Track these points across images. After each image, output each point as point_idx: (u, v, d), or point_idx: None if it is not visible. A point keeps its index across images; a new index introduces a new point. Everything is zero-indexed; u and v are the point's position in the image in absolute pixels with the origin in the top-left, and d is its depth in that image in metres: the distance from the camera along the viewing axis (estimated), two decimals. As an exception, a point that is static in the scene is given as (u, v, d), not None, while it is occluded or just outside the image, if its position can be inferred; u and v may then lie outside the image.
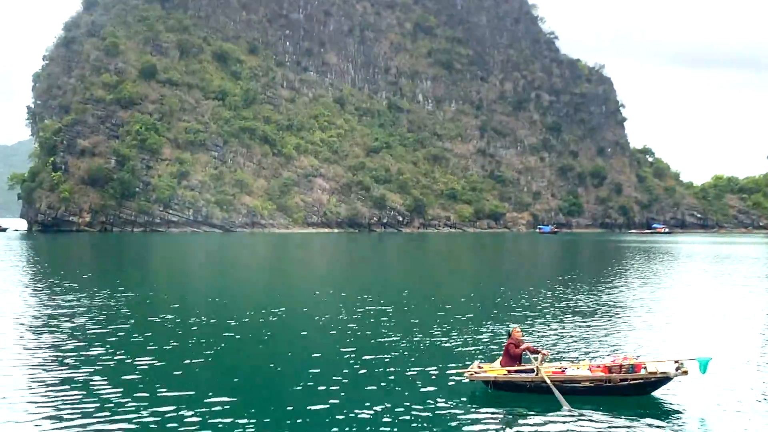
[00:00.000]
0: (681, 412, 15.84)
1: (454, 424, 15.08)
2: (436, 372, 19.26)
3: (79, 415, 15.10)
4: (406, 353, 21.63)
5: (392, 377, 18.66)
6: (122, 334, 23.77)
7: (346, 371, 19.26)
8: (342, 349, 22.07)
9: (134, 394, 16.46)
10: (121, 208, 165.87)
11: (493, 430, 14.67)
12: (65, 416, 15.04)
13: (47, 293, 34.59)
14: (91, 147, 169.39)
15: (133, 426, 14.52)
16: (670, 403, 16.53)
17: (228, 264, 64.82)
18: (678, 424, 14.95)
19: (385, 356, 21.09)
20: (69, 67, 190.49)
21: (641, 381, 16.64)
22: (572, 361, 19.80)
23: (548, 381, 16.70)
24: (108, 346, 21.67)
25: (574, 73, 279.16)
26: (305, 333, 24.90)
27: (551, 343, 23.09)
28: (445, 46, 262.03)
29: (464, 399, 16.97)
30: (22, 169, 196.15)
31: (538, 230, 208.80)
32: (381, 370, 19.44)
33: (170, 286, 42.99)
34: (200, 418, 14.93)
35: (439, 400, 16.71)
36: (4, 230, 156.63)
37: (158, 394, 16.57)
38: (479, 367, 17.94)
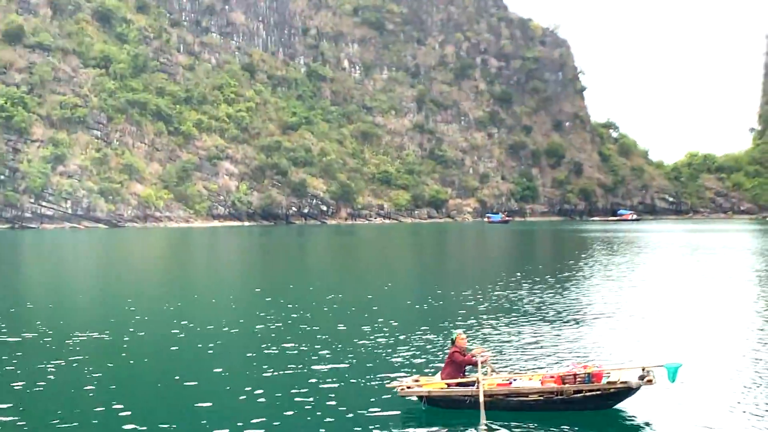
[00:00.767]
0: (644, 427, 15.87)
1: None
2: (364, 387, 19.23)
3: None
4: (328, 367, 21.45)
5: (311, 395, 18.49)
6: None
7: (257, 390, 18.98)
8: (252, 365, 21.78)
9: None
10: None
11: None
12: None
13: None
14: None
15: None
16: (634, 417, 16.60)
17: (112, 268, 63.53)
18: None
19: (304, 371, 20.86)
20: None
21: (599, 393, 16.63)
22: (525, 371, 19.77)
23: (481, 394, 16.64)
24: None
25: (526, 34, 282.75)
26: (210, 347, 24.38)
27: (504, 351, 23.06)
28: (375, 2, 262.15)
29: (393, 419, 16.85)
30: None
31: (486, 219, 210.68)
32: (299, 387, 19.19)
33: (39, 296, 41.81)
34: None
35: (364, 419, 16.65)
36: None
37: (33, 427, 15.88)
38: (415, 381, 17.91)
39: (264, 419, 16.91)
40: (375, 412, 17.27)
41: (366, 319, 30.35)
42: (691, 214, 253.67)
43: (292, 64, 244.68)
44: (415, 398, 17.69)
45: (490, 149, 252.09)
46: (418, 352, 23.48)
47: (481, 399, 16.61)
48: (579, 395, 16.64)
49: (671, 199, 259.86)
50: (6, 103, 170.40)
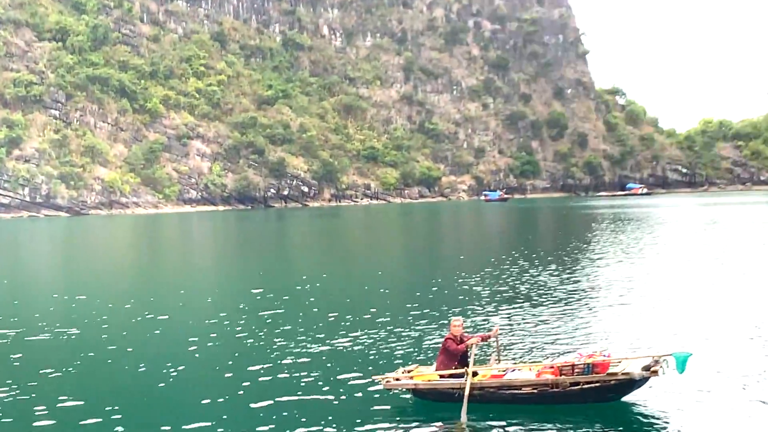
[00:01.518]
0: (649, 423, 15.82)
1: None
2: (352, 381, 19.38)
3: None
4: (314, 359, 21.64)
5: (295, 389, 18.72)
6: None
7: (239, 383, 19.22)
8: (233, 358, 22.02)
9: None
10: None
11: None
12: None
13: None
14: None
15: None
16: (638, 411, 16.53)
17: (75, 259, 63.40)
18: None
19: (288, 364, 21.05)
20: None
21: (598, 385, 16.54)
22: (528, 361, 19.83)
23: (467, 388, 16.71)
24: None
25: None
26: (187, 342, 24.44)
27: (506, 340, 23.15)
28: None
29: (379, 413, 17.04)
30: None
31: (483, 197, 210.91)
32: (283, 381, 19.45)
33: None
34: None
35: (349, 413, 16.85)
36: None
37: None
38: (407, 372, 18.07)
39: (248, 413, 17.07)
40: (362, 405, 17.44)
41: (356, 309, 30.36)
42: (707, 186, 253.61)
43: (267, 32, 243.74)
44: (399, 391, 17.98)
45: (486, 121, 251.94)
46: (412, 342, 23.55)
47: (466, 392, 16.67)
48: (576, 388, 16.56)
49: (684, 171, 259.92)
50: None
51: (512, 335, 23.94)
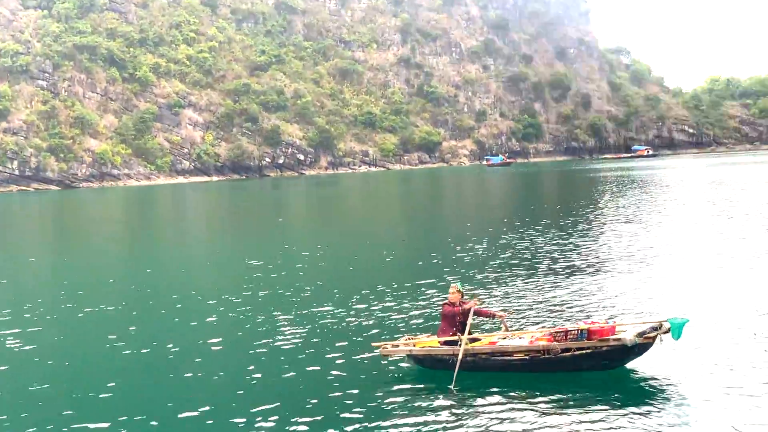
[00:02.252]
0: (644, 391, 15.80)
1: (353, 406, 15.60)
2: (349, 350, 19.74)
3: None
4: (312, 330, 21.92)
5: (295, 360, 19.07)
6: None
7: (238, 357, 19.51)
8: (232, 331, 22.30)
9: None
10: None
11: (389, 418, 14.97)
12: None
13: None
14: None
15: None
16: (634, 379, 16.47)
17: (67, 233, 63.50)
18: (632, 409, 14.70)
19: (286, 336, 21.35)
20: None
21: (589, 351, 16.58)
22: (522, 328, 20.01)
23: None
24: None
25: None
26: (184, 316, 24.67)
27: (511, 308, 23.31)
28: None
29: (375, 380, 17.40)
30: None
31: (485, 162, 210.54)
32: (282, 352, 19.78)
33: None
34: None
35: (347, 381, 17.22)
36: None
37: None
38: (409, 339, 18.39)
39: (246, 383, 17.35)
40: (360, 373, 17.77)
41: (357, 278, 30.63)
42: (714, 146, 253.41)
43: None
44: (401, 359, 18.36)
45: (486, 83, 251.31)
46: (415, 311, 23.76)
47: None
48: (567, 354, 16.64)
49: (691, 131, 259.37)
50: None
51: (516, 304, 24.07)
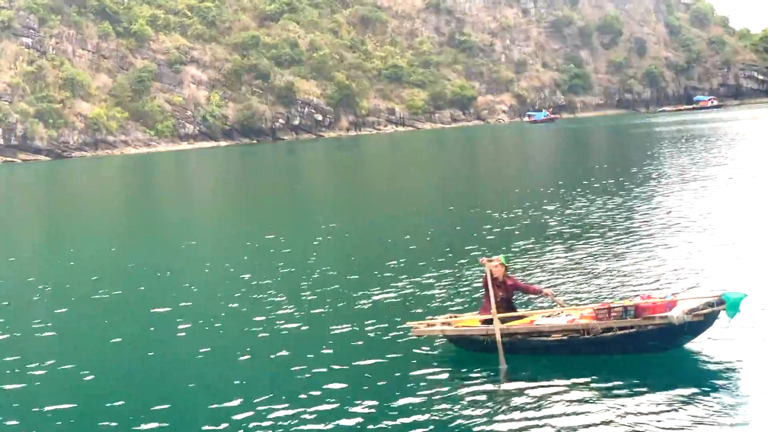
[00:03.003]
0: (699, 378, 15.50)
1: (386, 386, 15.88)
2: (382, 330, 20.05)
3: None
4: (340, 309, 22.24)
5: (322, 339, 19.43)
6: None
7: (258, 338, 19.86)
8: (249, 309, 22.73)
9: None
10: None
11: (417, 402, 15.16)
12: None
13: None
14: None
15: None
16: (688, 363, 16.30)
17: (59, 208, 63.92)
18: (681, 399, 14.36)
19: (310, 314, 21.75)
20: None
21: (633, 331, 16.29)
22: (576, 304, 19.90)
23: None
24: None
25: None
26: (197, 295, 24.87)
27: (559, 282, 23.36)
28: None
29: (410, 363, 17.58)
30: None
31: (527, 119, 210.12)
32: (307, 332, 20.18)
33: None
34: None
35: (377, 364, 17.51)
36: None
37: None
38: (450, 317, 18.57)
39: (268, 363, 17.80)
40: (393, 356, 17.95)
41: (386, 252, 30.69)
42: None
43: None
44: (441, 340, 18.57)
45: (526, 29, 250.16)
46: (453, 288, 23.87)
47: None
48: (608, 334, 16.39)
49: (761, 78, 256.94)
50: None
51: (565, 279, 24.05)
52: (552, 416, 13.98)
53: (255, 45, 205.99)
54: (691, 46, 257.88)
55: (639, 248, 27.87)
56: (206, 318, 22.27)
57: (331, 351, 18.60)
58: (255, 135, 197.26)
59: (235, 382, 16.89)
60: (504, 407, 14.63)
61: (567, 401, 14.58)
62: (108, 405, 15.91)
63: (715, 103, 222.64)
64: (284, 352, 18.67)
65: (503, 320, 17.45)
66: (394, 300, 23.04)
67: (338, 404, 15.20)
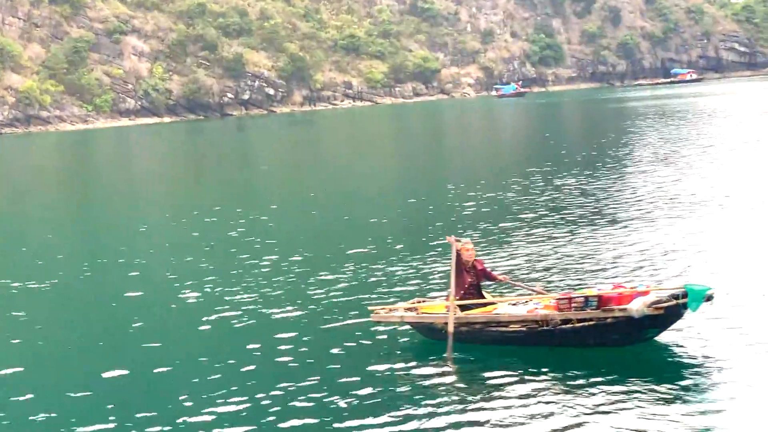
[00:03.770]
0: (660, 372, 15.60)
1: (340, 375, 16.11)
2: (345, 316, 20.27)
3: None
4: (297, 296, 22.34)
5: (276, 327, 19.64)
6: None
7: (214, 330, 19.99)
8: (204, 298, 22.84)
9: None
10: None
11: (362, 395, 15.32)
12: None
13: None
14: None
15: None
16: (652, 358, 16.43)
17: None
18: (641, 397, 14.37)
19: (267, 300, 21.87)
20: None
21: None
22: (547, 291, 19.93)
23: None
24: None
25: None
26: (151, 283, 24.93)
27: (524, 269, 23.52)
28: None
29: (366, 351, 17.87)
30: None
31: (495, 93, 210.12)
32: (263, 321, 20.24)
33: None
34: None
35: (334, 353, 17.79)
36: None
37: None
38: (417, 302, 18.74)
39: (222, 359, 17.71)
40: (351, 344, 18.19)
41: (346, 235, 30.88)
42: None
43: None
44: (404, 328, 18.76)
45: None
46: (418, 273, 24.14)
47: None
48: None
49: (742, 50, 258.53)
50: None
51: (534, 265, 24.28)
52: (488, 409, 14.21)
53: (201, 13, 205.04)
54: (669, 15, 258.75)
55: (614, 233, 28.06)
56: (152, 307, 22.37)
57: (285, 336, 18.76)
58: (201, 110, 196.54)
59: (180, 373, 17.04)
60: (444, 399, 14.82)
61: (509, 395, 14.76)
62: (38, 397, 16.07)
63: (694, 76, 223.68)
64: (235, 340, 18.85)
65: (465, 308, 17.63)
66: (356, 284, 23.20)
67: (284, 393, 15.41)
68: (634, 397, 14.15)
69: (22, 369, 18.05)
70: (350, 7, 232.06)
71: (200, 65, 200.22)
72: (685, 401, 13.95)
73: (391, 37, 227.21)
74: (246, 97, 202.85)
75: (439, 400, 14.77)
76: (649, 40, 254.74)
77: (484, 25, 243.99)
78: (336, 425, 14.00)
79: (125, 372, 17.39)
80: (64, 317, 22.55)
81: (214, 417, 14.59)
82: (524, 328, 16.89)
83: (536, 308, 17.24)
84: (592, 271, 23.10)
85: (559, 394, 14.62)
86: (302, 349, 17.81)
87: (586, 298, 16.41)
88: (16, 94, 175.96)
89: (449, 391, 15.29)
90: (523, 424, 13.49)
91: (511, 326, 17.01)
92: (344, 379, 15.95)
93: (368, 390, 15.38)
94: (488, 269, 19.02)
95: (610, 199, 34.96)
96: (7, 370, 17.88)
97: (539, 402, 14.27)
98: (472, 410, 14.20)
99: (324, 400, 14.95)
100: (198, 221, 37.83)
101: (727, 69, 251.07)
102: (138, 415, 14.89)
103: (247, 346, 18.45)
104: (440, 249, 26.64)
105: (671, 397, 14.17)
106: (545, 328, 16.64)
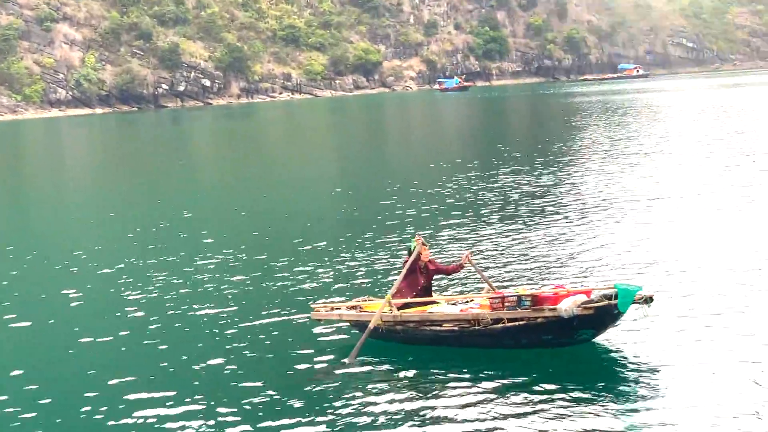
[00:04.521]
0: (593, 374, 15.75)
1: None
2: (285, 315, 20.29)
3: None
4: (235, 297, 22.28)
5: (213, 329, 19.55)
6: None
7: (152, 333, 19.69)
8: (140, 298, 22.53)
9: None
10: None
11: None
12: None
13: None
14: None
15: None
16: (585, 360, 16.48)
17: None
18: (571, 399, 14.42)
19: (205, 302, 21.72)
20: None
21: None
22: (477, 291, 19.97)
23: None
24: None
25: None
26: (86, 288, 24.71)
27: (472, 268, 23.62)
28: None
29: (310, 346, 18.01)
30: None
31: (437, 86, 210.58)
32: (200, 319, 20.26)
33: None
34: None
35: (278, 347, 17.91)
36: None
37: None
38: (368, 300, 18.76)
39: (158, 357, 17.73)
40: (287, 345, 18.21)
41: (284, 233, 30.78)
42: (718, 63, 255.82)
43: None
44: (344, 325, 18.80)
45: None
46: (359, 273, 24.11)
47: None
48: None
49: (690, 45, 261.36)
50: None
51: (481, 261, 24.32)
52: (401, 411, 14.29)
53: (136, 1, 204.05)
54: (616, 9, 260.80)
55: (556, 230, 28.18)
56: (87, 307, 22.21)
57: (216, 335, 18.86)
58: (135, 102, 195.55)
59: (119, 372, 16.86)
60: (351, 402, 14.87)
61: (428, 396, 14.88)
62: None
63: (641, 72, 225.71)
64: (172, 341, 18.80)
65: (406, 307, 17.62)
66: (300, 284, 23.11)
67: (214, 392, 15.47)
68: (561, 398, 14.24)
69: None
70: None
71: (134, 55, 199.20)
72: (616, 403, 14.04)
73: (332, 28, 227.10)
74: (181, 88, 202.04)
75: (353, 401, 14.82)
76: (596, 35, 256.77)
77: (428, 16, 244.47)
78: (259, 425, 14.06)
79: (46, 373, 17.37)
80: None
81: (140, 420, 14.54)
82: (456, 328, 16.86)
83: (469, 308, 17.28)
84: (538, 270, 23.10)
85: (481, 395, 14.66)
86: (232, 346, 17.95)
87: (520, 297, 16.35)
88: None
89: (368, 392, 15.31)
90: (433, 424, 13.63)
91: (445, 325, 17.00)
92: (273, 378, 16.02)
93: (293, 390, 15.43)
94: (441, 265, 19.13)
95: (552, 196, 35.09)
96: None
97: (456, 405, 14.34)
98: (383, 412, 14.28)
99: (252, 400, 15.04)
100: (130, 218, 37.48)
101: (675, 65, 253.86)
102: (57, 421, 14.88)
103: (178, 345, 18.45)
104: (382, 247, 26.74)
105: (601, 399, 14.24)
106: (477, 327, 16.59)
